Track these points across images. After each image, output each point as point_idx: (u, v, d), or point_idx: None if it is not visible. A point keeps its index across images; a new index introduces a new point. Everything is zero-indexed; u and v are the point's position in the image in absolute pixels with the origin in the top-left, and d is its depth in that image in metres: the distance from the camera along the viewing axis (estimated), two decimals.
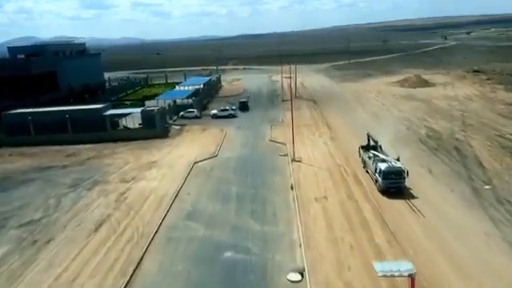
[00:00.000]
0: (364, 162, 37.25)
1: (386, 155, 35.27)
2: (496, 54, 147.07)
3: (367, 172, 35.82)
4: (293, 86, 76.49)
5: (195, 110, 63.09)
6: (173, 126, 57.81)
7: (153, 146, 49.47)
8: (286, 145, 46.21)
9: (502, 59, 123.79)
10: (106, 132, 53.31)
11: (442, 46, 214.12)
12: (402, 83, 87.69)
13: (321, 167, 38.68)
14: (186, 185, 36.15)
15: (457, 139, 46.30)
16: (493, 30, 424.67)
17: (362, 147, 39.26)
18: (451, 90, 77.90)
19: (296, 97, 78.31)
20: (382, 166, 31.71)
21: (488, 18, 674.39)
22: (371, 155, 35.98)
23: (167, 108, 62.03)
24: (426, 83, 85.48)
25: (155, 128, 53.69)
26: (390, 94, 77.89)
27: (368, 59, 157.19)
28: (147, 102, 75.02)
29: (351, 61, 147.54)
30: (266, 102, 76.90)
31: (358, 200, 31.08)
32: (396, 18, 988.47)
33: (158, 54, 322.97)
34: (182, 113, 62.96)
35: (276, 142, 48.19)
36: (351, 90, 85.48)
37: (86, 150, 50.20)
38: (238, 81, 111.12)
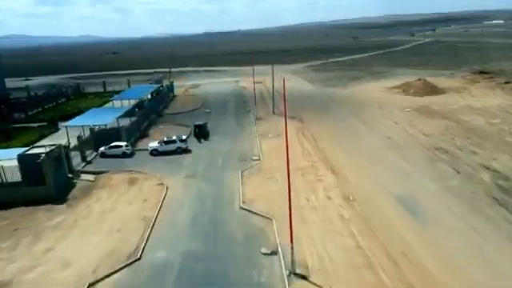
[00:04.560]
0: None
1: None
2: (482, 51, 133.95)
3: None
4: (280, 95, 56.12)
5: (124, 144, 40.77)
6: (82, 176, 35.44)
7: (28, 226, 27.15)
8: (272, 221, 25.62)
9: (497, 57, 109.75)
10: None
11: (419, 42, 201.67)
12: (404, 90, 69.39)
13: None
14: None
15: None
16: (453, 27, 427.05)
17: None
18: (472, 99, 60.40)
19: (274, 113, 57.97)
20: None
21: (442, 16, 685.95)
22: None
23: (78, 142, 39.44)
24: (434, 89, 67.72)
25: (44, 184, 31.30)
26: (397, 105, 59.19)
27: (345, 58, 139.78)
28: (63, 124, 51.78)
29: (329, 60, 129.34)
30: (232, 121, 55.74)
31: None
32: (354, 16, 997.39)
33: (113, 53, 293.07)
34: (102, 149, 40.49)
35: (253, 212, 27.30)
36: (343, 100, 66.23)
37: None
38: (197, 88, 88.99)
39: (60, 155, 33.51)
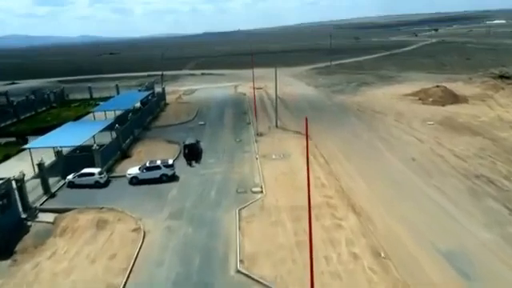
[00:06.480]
0: None
1: None
2: (495, 53, 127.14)
3: None
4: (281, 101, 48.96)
5: (97, 172, 33.75)
6: (39, 216, 28.45)
7: None
8: None
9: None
10: None
11: (425, 43, 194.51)
12: (422, 98, 62.41)
13: None
14: None
15: None
16: (455, 27, 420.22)
17: None
18: (501, 110, 53.43)
19: (277, 126, 51.03)
20: None
21: (443, 15, 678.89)
22: None
23: (38, 169, 32.40)
24: (455, 97, 60.79)
25: None
26: (416, 116, 52.26)
27: (350, 60, 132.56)
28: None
29: (332, 62, 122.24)
30: (229, 137, 48.64)
31: None
32: (355, 16, 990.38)
33: (111, 53, 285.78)
34: (70, 177, 33.50)
35: (255, 279, 20.33)
36: (353, 109, 59.25)
37: None
38: (192, 93, 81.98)
39: (9, 192, 26.51)
